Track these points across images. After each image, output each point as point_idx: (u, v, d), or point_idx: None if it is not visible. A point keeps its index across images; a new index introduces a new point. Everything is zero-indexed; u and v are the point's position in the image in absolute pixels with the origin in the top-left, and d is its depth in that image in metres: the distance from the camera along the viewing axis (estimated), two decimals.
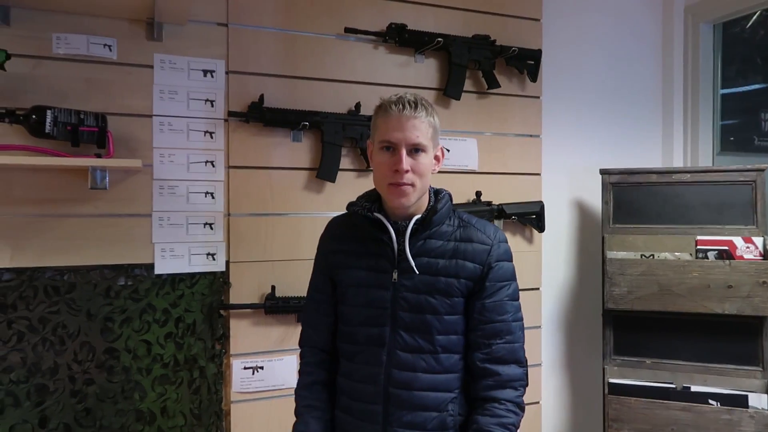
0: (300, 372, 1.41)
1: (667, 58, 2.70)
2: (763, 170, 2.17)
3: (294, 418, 1.38)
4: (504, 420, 1.22)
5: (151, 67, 1.82)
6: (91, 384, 1.77)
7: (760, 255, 2.09)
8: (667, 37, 2.69)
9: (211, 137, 1.89)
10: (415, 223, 1.25)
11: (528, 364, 2.28)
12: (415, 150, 1.22)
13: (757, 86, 2.90)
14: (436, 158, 1.29)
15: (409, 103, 1.21)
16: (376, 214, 1.27)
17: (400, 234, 1.26)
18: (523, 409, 1.26)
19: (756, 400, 2.04)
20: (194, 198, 1.88)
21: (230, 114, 1.89)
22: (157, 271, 1.84)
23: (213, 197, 1.90)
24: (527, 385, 1.30)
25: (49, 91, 1.70)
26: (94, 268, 1.77)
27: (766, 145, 2.94)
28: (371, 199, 1.33)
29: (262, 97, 1.89)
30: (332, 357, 1.39)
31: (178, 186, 1.86)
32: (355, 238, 1.32)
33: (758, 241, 2.11)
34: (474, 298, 1.27)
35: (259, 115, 1.89)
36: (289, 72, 1.98)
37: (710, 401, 2.07)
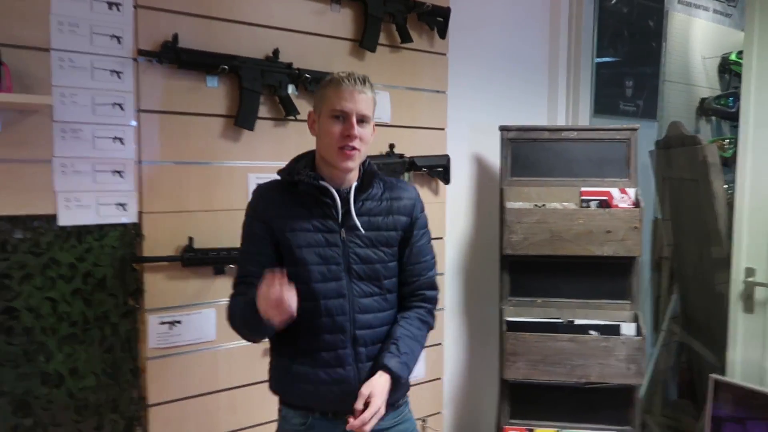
0: (233, 295, 1.43)
1: (554, 26, 2.92)
2: (635, 130, 2.47)
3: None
4: (424, 318, 1.51)
5: None
6: None
7: (633, 204, 2.40)
8: (555, 6, 2.91)
9: (119, 77, 1.74)
10: (356, 188, 1.43)
11: None
12: (362, 120, 1.39)
13: (621, 58, 3.26)
14: (373, 129, 1.46)
15: (359, 79, 1.39)
16: (323, 183, 1.41)
17: (344, 198, 1.42)
18: (434, 318, 1.56)
19: (626, 329, 2.37)
20: (101, 143, 1.73)
21: (140, 53, 1.75)
22: (61, 222, 1.68)
23: (122, 143, 1.76)
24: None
25: None
26: None
27: (629, 109, 3.33)
28: (307, 165, 1.45)
29: (176, 36, 1.77)
30: None
31: (82, 130, 1.70)
32: (294, 203, 1.42)
33: (631, 191, 2.42)
34: (404, 245, 1.50)
35: (174, 56, 1.77)
36: (204, 12, 1.86)
37: (590, 332, 2.37)
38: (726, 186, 2.62)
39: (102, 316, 1.76)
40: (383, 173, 1.55)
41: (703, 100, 3.71)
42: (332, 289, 1.40)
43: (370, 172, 1.47)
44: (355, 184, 1.44)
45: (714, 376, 2.17)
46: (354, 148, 1.37)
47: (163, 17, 1.79)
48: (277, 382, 1.49)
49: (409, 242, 1.49)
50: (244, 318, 1.36)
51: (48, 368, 1.69)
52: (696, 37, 3.67)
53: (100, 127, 1.72)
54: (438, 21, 2.35)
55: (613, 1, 3.18)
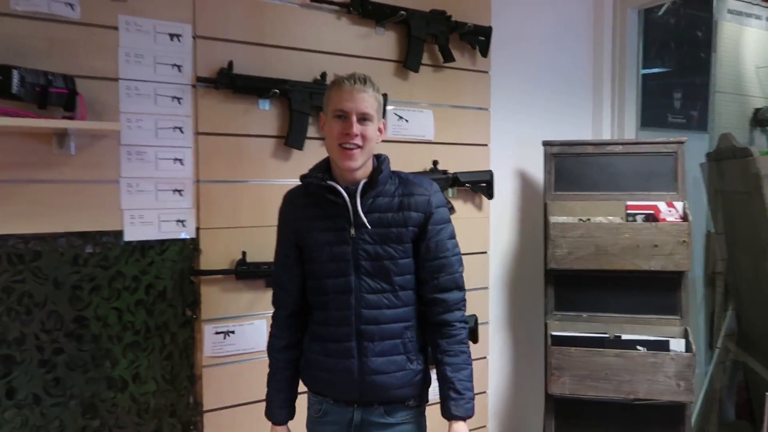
0: (271, 334, 1.61)
1: (597, 39, 2.92)
2: (683, 143, 2.44)
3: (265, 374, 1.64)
4: (459, 337, 1.51)
5: (116, 28, 1.77)
6: (61, 353, 1.74)
7: (680, 218, 2.37)
8: (598, 20, 2.92)
9: (179, 103, 1.87)
10: (363, 185, 1.45)
11: (477, 322, 2.46)
12: (363, 118, 1.41)
13: (669, 69, 3.22)
14: (380, 130, 1.48)
15: (359, 79, 1.42)
16: (329, 182, 1.45)
17: (352, 196, 1.45)
18: (467, 323, 1.55)
19: (676, 345, 2.33)
20: (163, 164, 1.86)
21: (199, 79, 1.88)
22: (127, 238, 1.81)
23: (182, 163, 1.89)
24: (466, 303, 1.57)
25: (7, 49, 1.61)
26: (60, 236, 1.72)
27: (677, 122, 3.28)
28: (322, 169, 1.51)
29: (231, 63, 1.89)
30: (300, 319, 1.59)
31: (146, 152, 1.83)
32: (313, 204, 1.49)
33: (679, 205, 2.39)
34: (420, 241, 1.49)
35: (229, 82, 1.89)
36: (256, 39, 1.99)
37: (638, 347, 2.34)
38: None
39: (162, 325, 1.88)
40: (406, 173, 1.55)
41: (756, 110, 3.61)
42: (340, 285, 1.46)
43: (380, 168, 1.47)
44: (364, 181, 1.45)
45: None
46: (355, 147, 1.40)
47: (219, 46, 1.92)
48: (301, 369, 1.59)
49: (425, 238, 1.48)
50: (268, 380, 1.61)
51: (113, 373, 1.81)
52: (748, 47, 3.58)
53: (162, 149, 1.86)
54: (480, 40, 2.40)
55: (660, 13, 3.16)
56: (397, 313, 1.47)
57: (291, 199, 1.56)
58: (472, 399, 1.49)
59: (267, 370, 2.03)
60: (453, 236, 1.53)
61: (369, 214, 1.45)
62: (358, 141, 1.40)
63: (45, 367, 1.72)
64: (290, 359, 1.58)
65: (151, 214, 1.85)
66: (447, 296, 1.50)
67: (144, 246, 1.85)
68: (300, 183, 1.54)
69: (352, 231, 1.45)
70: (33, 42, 1.65)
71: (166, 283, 1.88)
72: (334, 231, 1.46)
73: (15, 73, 1.51)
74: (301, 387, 1.61)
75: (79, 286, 1.76)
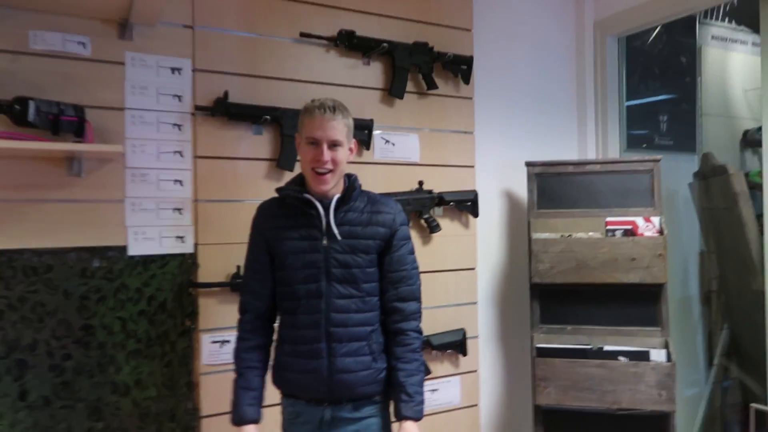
0: (239, 338, 1.69)
1: (579, 65, 3.07)
2: (658, 161, 2.56)
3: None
4: (412, 346, 1.65)
5: (123, 64, 1.97)
6: (69, 359, 1.89)
7: (657, 232, 2.47)
8: (579, 47, 3.08)
9: (179, 129, 2.06)
10: (337, 201, 1.60)
11: (466, 335, 2.57)
12: (334, 145, 1.56)
13: (657, 98, 3.35)
14: (351, 150, 1.64)
15: (329, 108, 1.56)
16: (306, 195, 1.60)
17: (326, 209, 1.59)
18: (421, 333, 1.70)
19: (656, 355, 2.40)
20: (164, 185, 2.04)
21: (197, 108, 2.06)
22: (131, 252, 1.98)
23: (182, 184, 2.06)
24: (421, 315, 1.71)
25: (27, 84, 1.82)
26: (70, 250, 1.90)
27: (664, 144, 3.40)
28: (297, 183, 1.65)
29: (226, 93, 2.08)
30: (267, 323, 1.71)
31: (148, 174, 2.01)
32: (286, 215, 1.63)
33: (655, 220, 2.50)
34: (384, 254, 1.65)
35: (224, 110, 2.07)
36: (251, 71, 2.18)
37: (620, 357, 2.42)
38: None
39: (163, 334, 2.03)
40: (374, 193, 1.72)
41: (746, 132, 3.71)
42: (311, 290, 1.58)
43: (353, 186, 1.63)
44: (337, 196, 1.61)
45: (755, 405, 2.15)
46: (327, 171, 1.56)
47: (216, 78, 2.12)
48: (273, 373, 1.69)
49: (389, 252, 1.64)
50: (234, 385, 1.65)
51: (117, 379, 1.96)
52: (735, 71, 3.70)
53: (164, 171, 2.04)
54: (462, 69, 2.57)
55: (648, 41, 3.30)
56: (364, 317, 1.61)
57: (265, 210, 1.70)
58: (422, 402, 1.63)
59: None
60: (413, 252, 1.70)
61: (340, 226, 1.60)
62: (329, 166, 1.56)
63: (55, 371, 1.87)
64: (258, 359, 1.66)
65: (153, 231, 2.02)
66: (405, 306, 1.65)
67: (146, 260, 2.01)
68: (275, 195, 1.69)
69: (324, 241, 1.59)
70: (48, 77, 1.86)
71: (166, 295, 2.03)
72: (307, 240, 1.60)
73: (31, 104, 1.71)
74: (274, 398, 1.72)
75: (87, 297, 1.92)
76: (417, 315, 1.68)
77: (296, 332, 1.61)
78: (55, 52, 1.87)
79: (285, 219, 1.63)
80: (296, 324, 1.61)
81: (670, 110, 3.40)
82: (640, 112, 3.26)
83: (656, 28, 3.23)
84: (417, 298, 1.68)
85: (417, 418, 1.60)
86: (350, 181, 1.66)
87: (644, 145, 3.27)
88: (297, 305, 1.61)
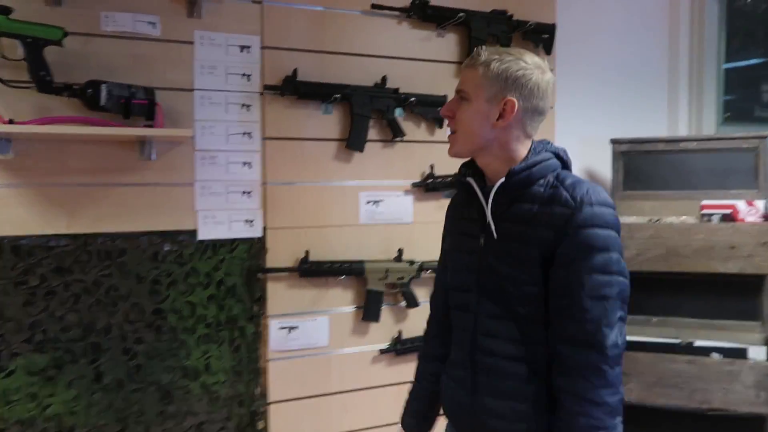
0: (423, 339, 1.49)
1: (673, 29, 2.80)
2: (765, 137, 2.30)
3: None
4: (574, 422, 1.07)
5: (192, 43, 1.91)
6: (141, 342, 1.90)
7: (762, 217, 2.23)
8: (674, 8, 2.79)
9: (248, 110, 1.99)
10: (498, 186, 1.15)
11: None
12: (461, 97, 1.17)
13: (757, 60, 3.02)
14: (501, 114, 1.13)
15: (474, 54, 1.17)
16: (468, 179, 1.21)
17: (485, 196, 1.18)
18: (612, 412, 1.07)
19: (755, 353, 2.20)
20: (233, 168, 1.98)
21: (266, 87, 1.98)
22: (200, 237, 1.95)
23: (250, 167, 2.00)
24: (615, 382, 1.07)
25: (98, 66, 1.78)
26: (142, 234, 1.88)
27: (766, 116, 3.07)
28: (472, 164, 1.25)
29: (295, 71, 1.98)
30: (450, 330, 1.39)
31: (217, 156, 1.96)
32: (462, 203, 1.30)
33: (760, 204, 2.25)
34: (552, 269, 1.12)
35: (293, 89, 1.99)
36: (319, 47, 2.07)
37: (713, 354, 2.23)
38: None
39: (231, 319, 2.01)
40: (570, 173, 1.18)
41: None
42: (461, 301, 1.25)
43: (521, 166, 1.14)
44: (501, 181, 1.15)
45: None
46: (452, 131, 1.20)
47: (285, 55, 2.02)
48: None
49: (555, 267, 1.10)
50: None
51: (188, 363, 1.96)
52: None
53: (232, 153, 1.98)
54: (543, 38, 2.37)
55: (747, 0, 2.97)
56: (521, 350, 1.15)
57: (454, 195, 1.39)
58: None
59: (329, 366, 2.14)
60: (602, 270, 1.07)
61: (504, 222, 1.17)
62: (451, 125, 1.20)
63: (128, 354, 1.88)
64: (430, 372, 1.40)
65: (222, 215, 1.98)
66: (570, 351, 1.08)
67: (216, 244, 1.98)
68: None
69: (482, 240, 1.20)
70: (119, 59, 1.82)
71: (235, 280, 2.00)
72: (466, 236, 1.25)
73: (103, 88, 1.67)
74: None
75: (158, 281, 1.91)
76: (591, 374, 1.06)
77: (452, 347, 1.31)
78: (126, 33, 1.83)
79: (460, 207, 1.30)
80: (453, 339, 1.31)
81: None
82: (739, 81, 2.95)
83: None
84: (592, 345, 1.06)
85: None
86: (529, 154, 1.17)
87: (743, 120, 2.96)
88: (454, 315, 1.30)
